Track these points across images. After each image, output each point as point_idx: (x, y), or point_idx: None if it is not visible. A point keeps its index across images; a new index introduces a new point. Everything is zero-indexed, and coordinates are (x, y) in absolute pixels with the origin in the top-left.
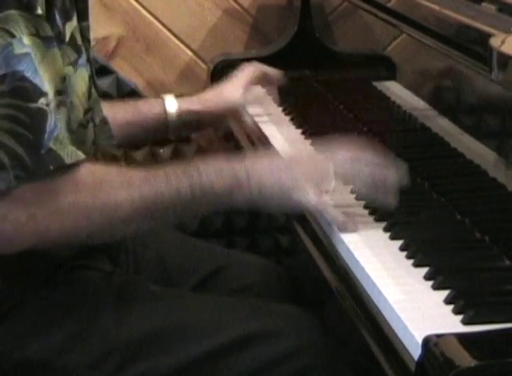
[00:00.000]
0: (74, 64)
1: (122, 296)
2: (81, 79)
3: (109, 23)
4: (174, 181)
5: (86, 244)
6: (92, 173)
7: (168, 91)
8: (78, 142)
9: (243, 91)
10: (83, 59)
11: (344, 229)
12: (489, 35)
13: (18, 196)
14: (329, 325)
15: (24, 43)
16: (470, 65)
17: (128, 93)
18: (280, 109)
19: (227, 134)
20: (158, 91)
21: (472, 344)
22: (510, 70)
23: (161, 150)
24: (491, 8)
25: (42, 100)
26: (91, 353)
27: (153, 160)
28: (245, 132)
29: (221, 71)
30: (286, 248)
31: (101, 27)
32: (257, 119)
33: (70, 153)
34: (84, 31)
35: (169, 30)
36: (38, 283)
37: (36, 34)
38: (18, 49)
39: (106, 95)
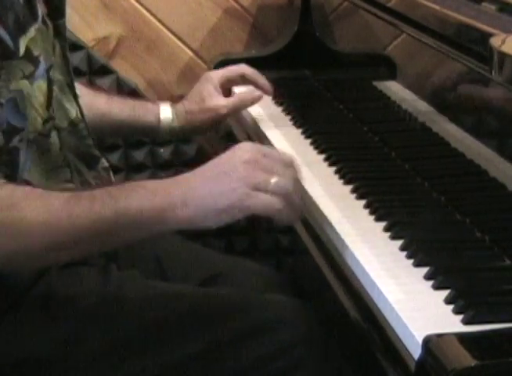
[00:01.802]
0: (30, 77)
1: (121, 290)
2: (38, 91)
3: (109, 23)
4: (98, 205)
5: None
6: (10, 195)
7: (168, 91)
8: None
9: (225, 94)
10: (41, 70)
11: (280, 218)
12: (489, 35)
13: None
14: (330, 325)
15: None
16: (470, 65)
17: (128, 93)
18: (280, 109)
19: (227, 134)
20: (158, 91)
21: (472, 344)
22: (510, 70)
23: (161, 150)
24: (491, 8)
25: None
26: (92, 349)
27: (153, 160)
28: (245, 132)
29: None
30: (286, 248)
31: (101, 27)
32: (257, 119)
33: None
34: (60, 29)
35: (169, 29)
36: (34, 279)
37: None
38: None
39: None
